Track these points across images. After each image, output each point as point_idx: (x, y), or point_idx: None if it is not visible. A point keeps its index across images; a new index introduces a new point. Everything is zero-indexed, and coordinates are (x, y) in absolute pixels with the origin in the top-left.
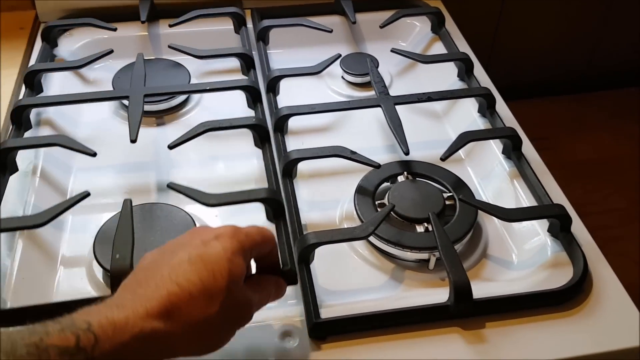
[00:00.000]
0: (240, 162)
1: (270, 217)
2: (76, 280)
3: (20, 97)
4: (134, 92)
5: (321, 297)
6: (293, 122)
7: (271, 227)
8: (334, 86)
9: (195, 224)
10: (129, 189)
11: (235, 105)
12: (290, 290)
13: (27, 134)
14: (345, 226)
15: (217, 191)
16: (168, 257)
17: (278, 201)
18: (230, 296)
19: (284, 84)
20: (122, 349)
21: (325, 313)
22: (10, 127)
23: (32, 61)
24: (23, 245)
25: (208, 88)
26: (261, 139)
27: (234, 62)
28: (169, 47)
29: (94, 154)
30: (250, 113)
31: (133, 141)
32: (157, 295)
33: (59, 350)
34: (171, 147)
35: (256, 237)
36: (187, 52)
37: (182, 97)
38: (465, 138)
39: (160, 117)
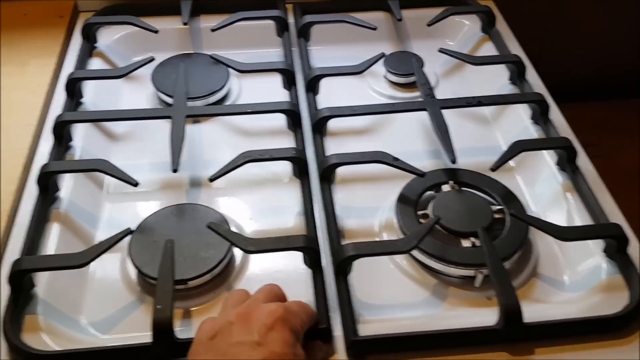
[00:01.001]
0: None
1: (307, 263)
2: (109, 277)
3: (60, 105)
4: (176, 111)
5: (357, 310)
6: (331, 123)
7: (307, 272)
8: (376, 86)
9: (229, 227)
10: (164, 186)
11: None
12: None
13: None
14: (385, 236)
15: (250, 191)
16: None
17: (316, 251)
18: None
19: (323, 82)
20: None
21: (363, 329)
22: (53, 141)
23: (71, 56)
24: (59, 236)
25: (249, 110)
26: (300, 171)
27: (275, 58)
28: (211, 57)
29: (135, 184)
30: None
31: (175, 171)
32: None
33: None
34: (212, 179)
35: (303, 317)
36: (229, 64)
37: (220, 95)
38: (518, 147)
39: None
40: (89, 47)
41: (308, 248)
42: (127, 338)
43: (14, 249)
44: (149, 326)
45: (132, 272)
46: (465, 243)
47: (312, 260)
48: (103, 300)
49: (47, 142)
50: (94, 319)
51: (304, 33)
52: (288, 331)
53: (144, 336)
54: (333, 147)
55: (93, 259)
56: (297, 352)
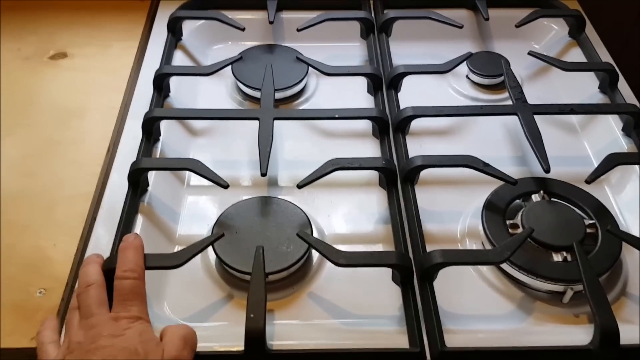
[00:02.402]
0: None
1: (397, 281)
2: (190, 264)
3: (143, 89)
4: (264, 113)
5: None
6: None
7: (397, 290)
8: (457, 85)
9: (310, 223)
10: (243, 181)
11: (350, 97)
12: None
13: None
14: (467, 242)
15: (329, 188)
16: None
17: (409, 269)
18: None
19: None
20: None
21: (448, 340)
22: (142, 136)
23: (153, 41)
24: (142, 229)
25: (337, 116)
26: (388, 182)
27: (357, 59)
28: (297, 58)
29: (226, 186)
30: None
31: (263, 174)
32: None
33: None
34: (300, 186)
35: None
36: (315, 66)
37: (298, 88)
38: (614, 160)
39: (276, 107)
40: (175, 41)
41: (401, 266)
42: (208, 328)
43: (101, 234)
44: (229, 316)
45: (212, 259)
46: (557, 257)
47: (404, 277)
48: (183, 286)
49: (131, 126)
50: (175, 306)
51: (385, 28)
52: None
53: (224, 326)
54: (411, 147)
55: (187, 260)
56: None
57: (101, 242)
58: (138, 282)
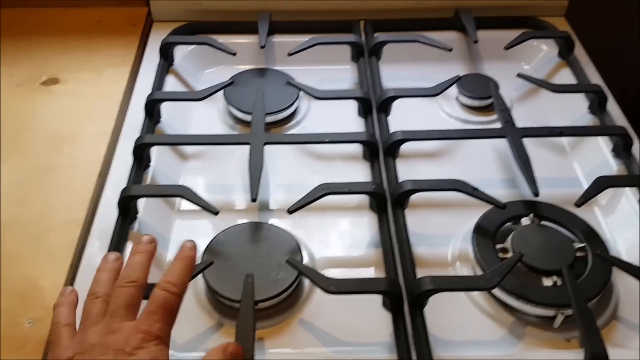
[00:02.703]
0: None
1: (387, 306)
2: None
3: (135, 115)
4: (254, 138)
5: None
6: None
7: (388, 315)
8: (447, 107)
9: (300, 249)
10: (234, 205)
11: (341, 120)
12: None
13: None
14: (458, 266)
15: (319, 212)
16: None
17: (399, 296)
18: None
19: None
20: None
21: None
22: (132, 162)
23: (145, 66)
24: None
25: (327, 140)
26: (378, 206)
27: (348, 81)
28: (288, 83)
29: (216, 213)
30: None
31: (254, 200)
32: None
33: None
34: (290, 211)
35: None
36: (306, 90)
37: (289, 111)
38: (604, 183)
39: (267, 131)
40: (167, 66)
41: (390, 293)
42: (197, 358)
43: (91, 262)
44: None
45: (202, 287)
46: (547, 282)
47: (394, 304)
48: None
49: (122, 152)
50: None
51: (375, 52)
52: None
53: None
54: (402, 170)
55: None
56: None
57: (91, 271)
58: (172, 298)
